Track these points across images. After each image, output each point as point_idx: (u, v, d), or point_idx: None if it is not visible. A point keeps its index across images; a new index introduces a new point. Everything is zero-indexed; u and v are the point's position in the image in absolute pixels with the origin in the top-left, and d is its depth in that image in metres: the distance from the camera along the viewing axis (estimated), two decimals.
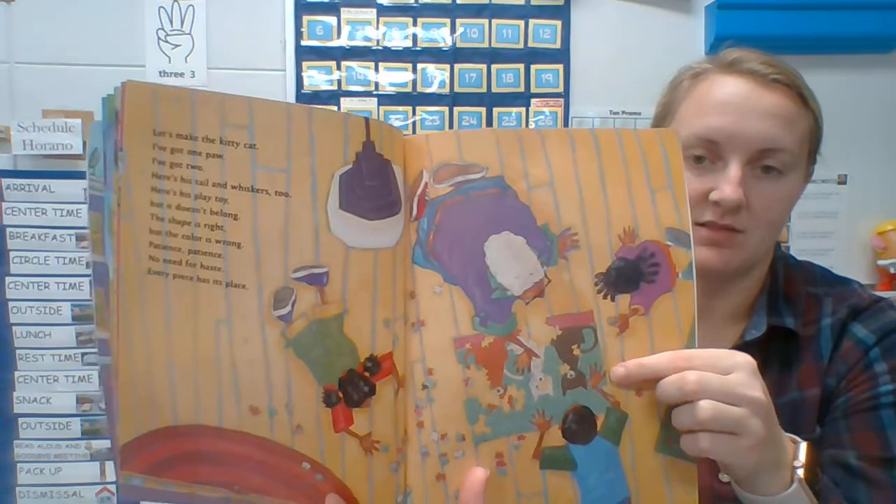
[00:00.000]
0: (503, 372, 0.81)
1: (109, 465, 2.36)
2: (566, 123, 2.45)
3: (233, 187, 0.75)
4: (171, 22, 2.34)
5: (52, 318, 2.33)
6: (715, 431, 0.78)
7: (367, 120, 0.78)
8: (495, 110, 2.45)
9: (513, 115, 2.45)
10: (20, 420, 2.34)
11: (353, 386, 0.77)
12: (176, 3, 2.34)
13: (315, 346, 0.76)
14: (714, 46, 2.41)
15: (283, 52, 2.40)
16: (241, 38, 2.38)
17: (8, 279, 2.32)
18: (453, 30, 2.43)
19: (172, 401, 0.76)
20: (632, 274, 0.82)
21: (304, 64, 2.40)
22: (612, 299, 0.82)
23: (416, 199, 0.81)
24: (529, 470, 0.81)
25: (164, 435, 0.76)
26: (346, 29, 2.41)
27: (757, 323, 1.15)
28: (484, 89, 2.45)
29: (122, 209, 0.74)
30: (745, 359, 0.82)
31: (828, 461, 1.05)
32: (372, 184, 0.78)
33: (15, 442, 2.34)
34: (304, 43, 2.40)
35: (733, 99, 1.09)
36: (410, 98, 2.44)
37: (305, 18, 2.39)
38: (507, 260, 0.81)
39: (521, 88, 2.46)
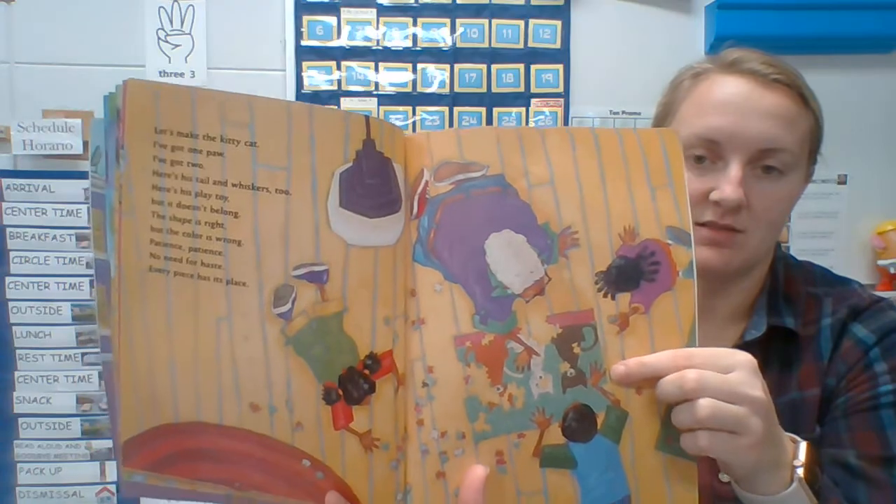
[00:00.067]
0: (503, 370, 0.81)
1: (109, 465, 2.36)
2: (566, 123, 2.45)
3: (233, 185, 0.75)
4: (171, 22, 2.34)
5: (52, 318, 2.33)
6: (714, 430, 0.79)
7: (367, 118, 0.78)
8: (495, 110, 2.45)
9: (513, 115, 2.45)
10: (20, 420, 2.34)
11: (353, 383, 0.77)
12: (176, 3, 2.34)
13: (315, 343, 0.77)
14: (714, 46, 2.41)
15: (283, 52, 2.40)
16: (241, 38, 2.38)
17: (8, 279, 2.32)
18: (453, 30, 2.43)
19: (173, 398, 0.76)
20: (632, 272, 0.82)
21: (304, 64, 2.40)
22: (613, 298, 0.82)
23: (416, 198, 0.81)
24: (529, 468, 0.81)
25: (165, 432, 0.77)
26: (346, 29, 2.41)
27: (757, 323, 1.15)
28: (484, 89, 2.45)
29: (124, 207, 0.75)
30: (745, 357, 0.82)
31: (828, 461, 1.05)
32: (372, 182, 0.78)
33: (15, 442, 2.34)
34: (304, 43, 2.40)
35: (734, 99, 1.09)
36: (410, 98, 2.44)
37: (305, 18, 2.39)
38: (508, 258, 0.81)
39: (521, 88, 2.46)
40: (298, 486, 0.78)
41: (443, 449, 0.81)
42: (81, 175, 2.29)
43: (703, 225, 1.09)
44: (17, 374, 2.33)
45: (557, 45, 2.46)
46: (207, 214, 0.75)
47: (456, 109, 2.44)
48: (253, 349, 0.76)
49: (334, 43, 2.41)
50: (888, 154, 2.56)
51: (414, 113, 2.43)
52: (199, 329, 0.76)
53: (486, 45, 2.44)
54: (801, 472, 0.88)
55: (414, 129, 2.41)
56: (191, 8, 2.34)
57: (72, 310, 2.34)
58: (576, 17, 2.46)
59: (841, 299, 1.16)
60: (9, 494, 2.34)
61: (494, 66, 2.45)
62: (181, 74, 2.34)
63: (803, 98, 1.12)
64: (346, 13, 2.40)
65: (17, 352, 2.33)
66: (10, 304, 2.32)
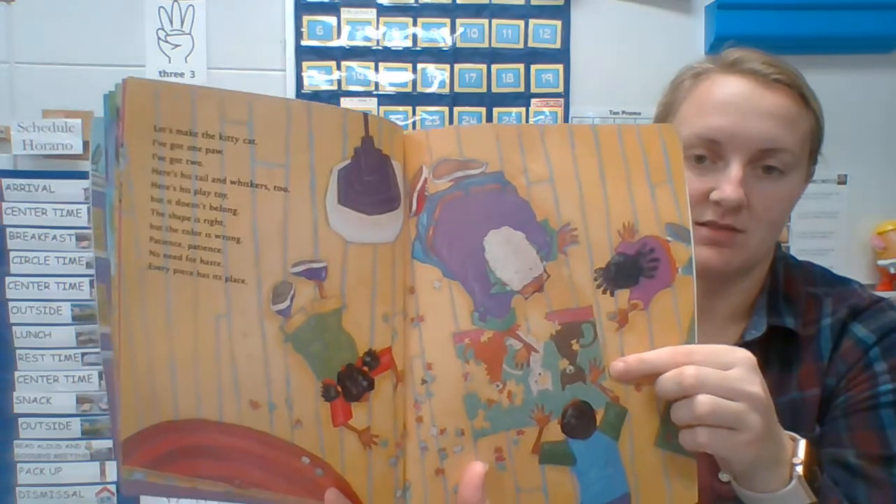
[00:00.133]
0: (502, 367, 0.81)
1: (109, 465, 2.36)
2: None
3: (232, 182, 0.75)
4: (171, 22, 2.34)
5: (52, 318, 2.34)
6: (713, 426, 0.79)
7: (365, 115, 0.78)
8: (495, 110, 2.45)
9: (513, 115, 2.45)
10: (20, 420, 2.34)
11: (352, 380, 0.77)
12: (176, 3, 2.34)
13: (314, 340, 0.77)
14: (714, 46, 2.41)
15: (283, 52, 2.40)
16: (241, 38, 2.39)
17: (8, 279, 2.32)
18: (453, 30, 2.44)
19: (173, 395, 0.76)
20: (631, 269, 0.82)
21: (304, 64, 2.40)
22: (612, 294, 0.82)
23: (415, 195, 0.81)
24: (528, 465, 0.81)
25: (165, 429, 0.77)
26: (346, 29, 2.41)
27: (757, 323, 1.15)
28: (484, 89, 2.45)
29: (123, 205, 0.75)
30: (744, 354, 0.82)
31: (827, 460, 1.05)
32: (370, 179, 0.78)
33: (15, 442, 2.34)
34: (304, 43, 2.40)
35: (735, 99, 1.09)
36: (410, 98, 2.44)
37: (305, 18, 2.39)
38: (507, 255, 0.81)
39: (521, 88, 2.46)
40: (298, 483, 0.78)
41: (442, 446, 0.81)
42: (81, 175, 2.29)
43: (703, 225, 1.09)
44: (17, 374, 2.33)
45: (557, 45, 2.46)
46: (206, 212, 0.75)
47: (456, 109, 2.44)
48: (252, 346, 0.76)
49: (334, 43, 2.41)
50: (888, 154, 2.56)
51: (414, 113, 2.43)
52: (199, 326, 0.76)
53: (486, 45, 2.45)
54: (800, 469, 0.88)
55: (414, 130, 2.40)
56: (191, 8, 2.34)
57: (72, 310, 2.34)
58: (576, 17, 2.46)
59: (841, 299, 1.16)
60: (9, 494, 2.35)
61: (494, 66, 2.45)
62: (181, 74, 2.34)
63: (804, 98, 1.12)
64: (346, 13, 2.40)
65: (17, 352, 2.33)
66: (10, 304, 2.32)
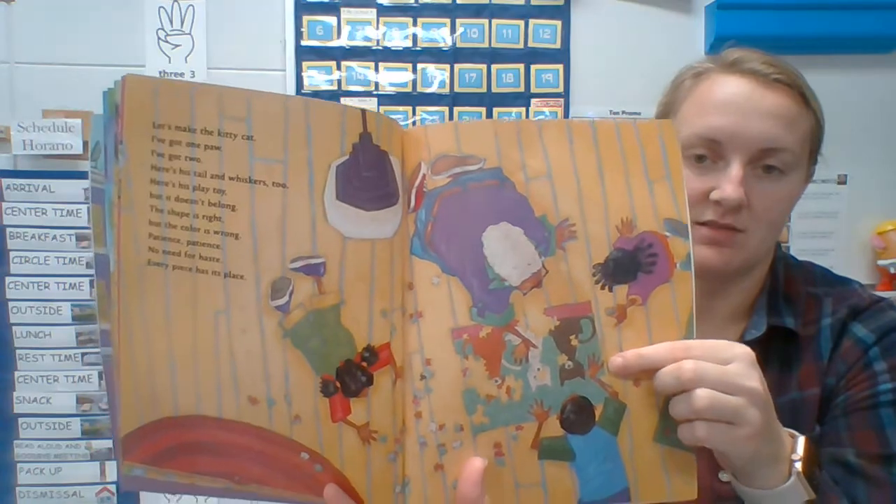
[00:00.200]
0: (501, 362, 0.81)
1: (109, 465, 2.36)
2: None
3: (231, 179, 0.76)
4: (171, 22, 2.34)
5: (52, 318, 2.33)
6: (712, 421, 0.79)
7: (363, 112, 0.78)
8: (495, 110, 2.45)
9: (513, 115, 2.45)
10: (20, 420, 2.34)
11: (351, 376, 0.77)
12: (176, 3, 2.34)
13: (312, 336, 0.77)
14: (714, 46, 2.41)
15: (283, 52, 2.40)
16: (241, 38, 2.39)
17: (8, 279, 2.32)
18: (453, 30, 2.44)
19: (173, 391, 0.76)
20: (629, 264, 0.82)
21: (304, 64, 2.40)
22: (610, 290, 0.82)
23: (414, 191, 0.82)
24: (528, 460, 0.82)
25: (165, 425, 0.77)
26: (346, 29, 2.41)
27: (757, 323, 1.15)
28: (484, 89, 2.45)
29: (123, 201, 0.75)
30: (743, 350, 0.82)
31: (827, 459, 1.05)
32: (369, 174, 0.78)
33: (15, 442, 2.34)
34: (304, 43, 2.40)
35: (735, 99, 1.09)
36: (410, 98, 2.44)
37: (305, 18, 2.39)
38: (505, 250, 0.81)
39: (521, 88, 2.46)
40: (297, 479, 0.78)
41: (441, 441, 0.81)
42: (81, 175, 2.29)
43: (703, 224, 1.09)
44: (17, 374, 2.33)
45: (557, 45, 2.46)
46: (205, 208, 0.76)
47: (456, 109, 2.44)
48: (251, 342, 0.76)
49: (334, 43, 2.41)
50: (888, 154, 2.56)
51: (414, 113, 2.43)
52: (198, 322, 0.76)
53: (486, 45, 2.45)
54: (799, 466, 0.88)
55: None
56: (191, 8, 2.34)
57: (72, 310, 2.34)
58: (576, 17, 2.46)
59: (841, 299, 1.16)
60: (9, 494, 2.34)
61: (494, 66, 2.45)
62: (181, 74, 2.34)
63: (804, 98, 1.12)
64: (346, 13, 2.40)
65: (17, 352, 2.33)
66: (10, 304, 2.32)
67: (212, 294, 0.76)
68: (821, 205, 2.54)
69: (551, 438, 0.81)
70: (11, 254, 2.31)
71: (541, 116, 2.44)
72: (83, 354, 2.34)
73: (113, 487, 2.37)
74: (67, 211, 2.32)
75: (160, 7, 2.34)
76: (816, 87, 1.15)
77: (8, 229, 2.31)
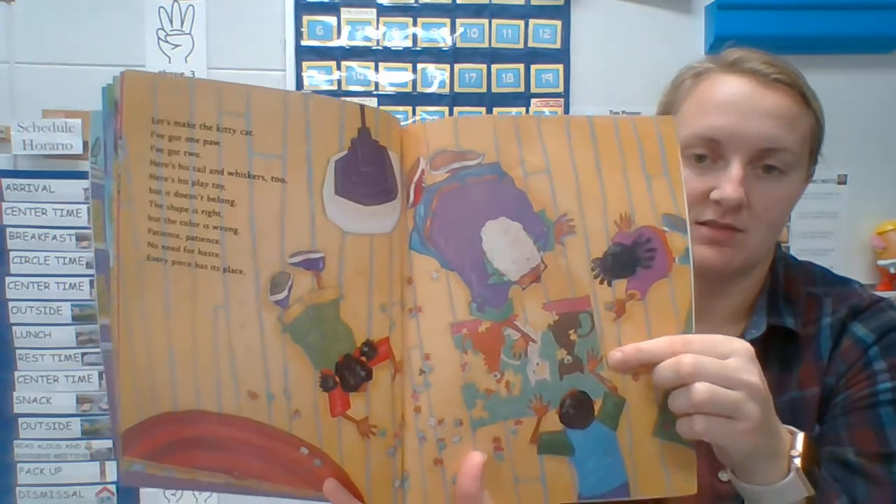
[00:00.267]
0: (500, 357, 0.81)
1: (109, 465, 2.36)
2: None
3: (230, 174, 0.76)
4: (171, 22, 2.35)
5: (52, 318, 2.34)
6: (711, 414, 0.79)
7: (362, 107, 0.78)
8: (495, 110, 2.45)
9: (513, 115, 2.45)
10: (20, 420, 2.34)
11: (350, 370, 0.77)
12: (176, 3, 2.34)
13: (311, 330, 0.77)
14: (714, 46, 2.41)
15: (283, 52, 2.40)
16: (241, 38, 2.39)
17: (8, 279, 2.32)
18: (453, 30, 2.44)
19: (172, 386, 0.76)
20: (628, 259, 0.82)
21: (304, 64, 2.41)
22: (609, 284, 0.82)
23: (412, 186, 0.82)
24: (527, 455, 0.82)
25: (164, 420, 0.77)
26: (346, 29, 2.41)
27: (757, 322, 1.15)
28: (484, 89, 2.46)
29: (122, 196, 0.75)
30: (742, 345, 0.82)
31: (827, 458, 1.05)
32: (367, 170, 0.78)
33: (15, 442, 2.34)
34: (304, 43, 2.40)
35: (735, 98, 1.09)
36: (410, 98, 2.44)
37: (305, 18, 2.40)
38: (504, 245, 0.81)
39: (521, 88, 2.46)
40: (296, 474, 0.78)
41: (440, 436, 0.81)
42: (81, 175, 2.29)
43: (703, 224, 1.08)
44: (17, 374, 2.33)
45: (557, 45, 2.46)
46: (204, 203, 0.76)
47: (456, 109, 2.44)
48: (250, 337, 0.76)
49: (334, 43, 2.41)
50: (888, 154, 2.56)
51: (414, 113, 2.43)
52: (197, 317, 0.76)
53: (486, 45, 2.45)
54: (798, 462, 0.88)
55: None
56: (191, 8, 2.35)
57: (72, 310, 2.34)
58: (576, 17, 2.46)
59: (841, 299, 1.16)
60: (9, 494, 2.35)
61: (494, 66, 2.46)
62: (181, 74, 2.34)
63: (804, 98, 1.12)
64: (346, 13, 2.41)
65: (17, 352, 2.33)
66: (10, 304, 2.32)
67: (211, 289, 0.76)
68: (821, 205, 2.54)
69: (550, 433, 0.82)
70: (11, 254, 2.31)
71: None
72: (83, 354, 2.35)
73: (113, 487, 2.37)
74: (67, 211, 2.32)
75: (160, 7, 2.34)
76: (816, 87, 1.15)
77: (8, 229, 2.31)
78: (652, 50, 2.46)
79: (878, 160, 2.56)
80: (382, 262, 0.79)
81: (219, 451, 0.78)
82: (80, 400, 2.35)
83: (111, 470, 2.36)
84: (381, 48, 2.43)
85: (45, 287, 2.33)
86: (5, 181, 2.30)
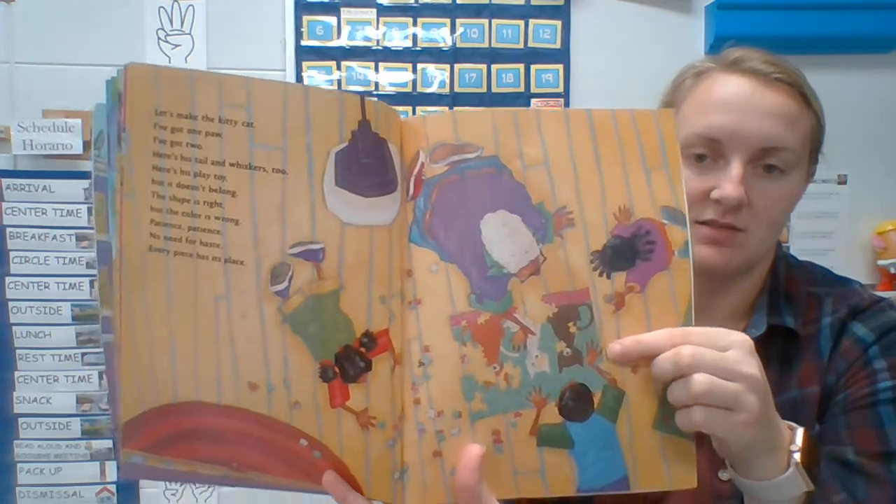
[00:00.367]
0: (499, 349, 0.81)
1: (109, 465, 2.36)
2: None
3: (231, 165, 0.76)
4: (171, 22, 2.35)
5: (52, 318, 2.34)
6: (710, 406, 0.79)
7: (362, 99, 0.78)
8: None
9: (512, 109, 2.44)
10: (20, 420, 2.34)
11: (350, 361, 0.78)
12: (176, 3, 2.35)
13: (311, 321, 0.77)
14: (714, 46, 2.41)
15: (283, 52, 2.41)
16: (241, 38, 2.39)
17: (8, 279, 2.32)
18: (453, 30, 2.44)
19: (173, 377, 0.77)
20: (627, 252, 0.82)
21: (304, 64, 2.41)
22: (608, 277, 0.82)
23: (412, 179, 0.82)
24: (526, 447, 0.82)
25: (165, 412, 0.77)
26: (346, 29, 2.42)
27: (757, 322, 1.15)
28: (484, 89, 2.46)
29: (125, 188, 0.75)
30: (741, 338, 0.82)
31: (827, 457, 1.05)
32: (367, 161, 0.78)
33: (15, 442, 2.34)
34: (304, 43, 2.40)
35: (735, 98, 1.09)
36: (410, 98, 2.44)
37: (305, 18, 2.40)
38: (503, 238, 0.81)
39: (521, 88, 2.46)
40: (296, 466, 0.78)
41: (439, 428, 0.81)
42: (81, 175, 2.30)
43: (703, 223, 1.08)
44: (17, 374, 2.33)
45: (557, 45, 2.46)
46: (206, 194, 0.76)
47: (456, 110, 2.43)
48: (250, 327, 0.77)
49: (334, 43, 2.42)
50: (888, 154, 2.56)
51: (414, 113, 2.43)
52: (198, 307, 0.76)
53: (486, 45, 2.45)
54: (797, 457, 0.88)
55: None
56: (191, 8, 2.35)
57: (72, 310, 2.34)
58: (576, 17, 2.47)
59: (841, 299, 1.16)
60: (9, 494, 2.35)
61: (494, 66, 2.46)
62: None
63: (805, 97, 1.11)
64: (346, 13, 2.41)
65: (17, 352, 2.33)
66: (10, 304, 2.32)
67: (212, 279, 0.76)
68: (821, 205, 2.54)
69: (550, 425, 0.82)
70: (11, 254, 2.31)
71: None
72: (83, 354, 2.35)
73: (113, 487, 2.37)
74: (67, 211, 2.32)
75: (160, 7, 2.34)
76: (816, 87, 1.15)
77: (8, 229, 2.31)
78: (652, 50, 2.46)
79: (878, 160, 2.56)
80: (382, 253, 0.79)
81: (218, 443, 0.78)
82: (80, 400, 2.34)
83: (111, 470, 2.36)
84: (381, 48, 2.43)
85: (45, 287, 2.33)
86: (5, 181, 2.30)
